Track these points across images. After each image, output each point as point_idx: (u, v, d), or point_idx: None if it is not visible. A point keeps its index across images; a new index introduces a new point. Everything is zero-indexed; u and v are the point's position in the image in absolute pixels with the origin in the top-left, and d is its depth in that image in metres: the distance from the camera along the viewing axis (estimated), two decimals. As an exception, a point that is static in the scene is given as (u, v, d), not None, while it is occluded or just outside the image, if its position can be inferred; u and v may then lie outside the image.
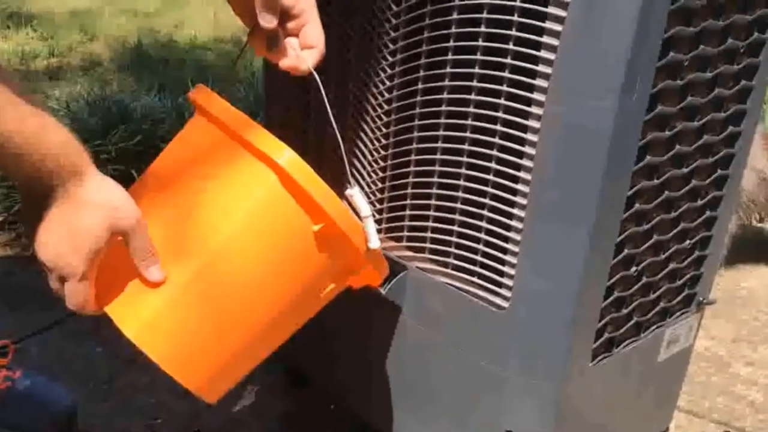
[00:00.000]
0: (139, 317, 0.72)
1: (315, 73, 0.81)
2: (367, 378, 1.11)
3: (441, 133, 0.88)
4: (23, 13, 3.50)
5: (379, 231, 0.88)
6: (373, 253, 0.82)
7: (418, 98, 0.90)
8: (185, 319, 0.73)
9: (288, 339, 0.82)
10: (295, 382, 1.34)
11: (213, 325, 0.74)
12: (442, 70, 0.86)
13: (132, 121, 1.90)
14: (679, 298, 1.03)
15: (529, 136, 0.80)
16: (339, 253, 0.79)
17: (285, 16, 0.80)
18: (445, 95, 0.86)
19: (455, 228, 0.91)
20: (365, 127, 0.98)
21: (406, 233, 0.97)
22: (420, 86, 0.89)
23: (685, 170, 0.91)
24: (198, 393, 0.75)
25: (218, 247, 0.73)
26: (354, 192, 0.80)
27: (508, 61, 0.80)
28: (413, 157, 0.93)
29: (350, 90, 0.99)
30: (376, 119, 0.95)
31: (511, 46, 0.79)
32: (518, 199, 0.83)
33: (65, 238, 0.68)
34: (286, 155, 0.72)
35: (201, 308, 0.73)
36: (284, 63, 0.82)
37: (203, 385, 0.76)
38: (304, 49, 0.82)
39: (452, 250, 0.92)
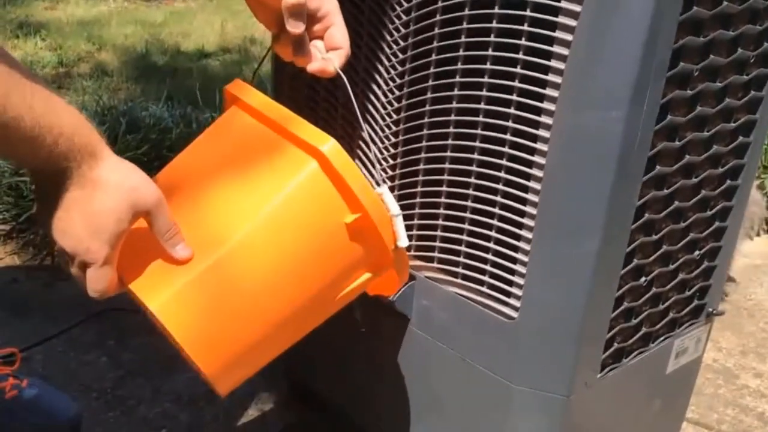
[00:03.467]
0: (164, 293, 0.70)
1: (342, 75, 0.81)
2: (373, 389, 1.11)
3: (450, 142, 0.88)
4: (32, 22, 3.52)
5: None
6: (400, 253, 0.81)
7: (427, 108, 0.90)
8: (210, 299, 0.72)
9: (297, 341, 0.81)
10: (299, 395, 1.34)
11: (236, 309, 0.73)
12: (452, 80, 0.86)
13: (140, 130, 1.91)
14: (688, 309, 1.03)
15: (539, 146, 0.80)
16: (367, 249, 0.78)
17: (310, 19, 0.80)
18: (454, 104, 0.86)
19: (464, 238, 0.90)
20: (374, 136, 0.98)
21: (414, 243, 0.96)
22: (429, 96, 0.89)
23: (694, 180, 0.90)
24: (213, 379, 0.73)
25: (251, 230, 0.72)
26: (383, 190, 0.80)
27: (518, 70, 0.79)
28: (422, 167, 0.93)
29: (359, 98, 0.99)
30: (385, 128, 0.95)
31: (521, 56, 0.79)
32: (528, 208, 0.83)
33: (85, 222, 0.65)
34: (329, 143, 0.72)
35: (227, 290, 0.72)
36: (312, 67, 0.82)
37: (219, 371, 0.74)
38: (330, 51, 0.82)
39: (461, 260, 0.91)
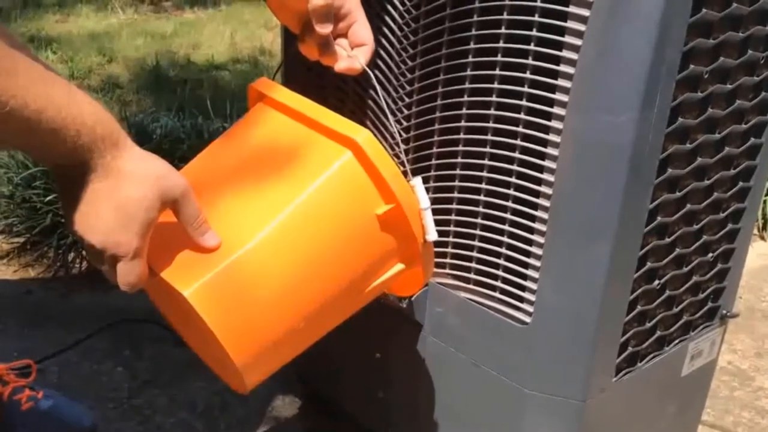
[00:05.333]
0: (196, 280, 0.69)
1: (369, 71, 0.82)
2: (387, 396, 1.11)
3: (461, 148, 0.88)
4: (43, 36, 3.54)
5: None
6: (427, 248, 0.81)
7: (437, 114, 0.90)
8: (242, 288, 0.71)
9: (324, 335, 0.80)
10: (314, 403, 1.34)
11: (268, 298, 0.72)
12: (462, 86, 0.86)
13: (151, 142, 1.92)
14: (702, 312, 1.02)
15: (550, 150, 0.80)
16: (397, 241, 0.78)
17: (334, 17, 0.81)
18: (464, 111, 0.87)
19: (476, 243, 0.90)
20: (382, 142, 0.98)
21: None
22: (439, 102, 0.89)
23: (706, 182, 0.90)
24: (242, 370, 0.72)
25: (284, 219, 0.72)
26: (416, 182, 0.79)
27: (528, 75, 0.80)
28: (432, 173, 0.93)
29: (369, 105, 0.99)
30: (395, 135, 0.96)
31: (530, 61, 0.79)
32: (539, 213, 0.83)
33: (113, 214, 0.64)
34: (363, 133, 0.73)
35: (258, 279, 0.72)
36: (339, 66, 0.82)
37: (248, 362, 0.73)
38: (354, 48, 0.83)
39: (473, 265, 0.92)
